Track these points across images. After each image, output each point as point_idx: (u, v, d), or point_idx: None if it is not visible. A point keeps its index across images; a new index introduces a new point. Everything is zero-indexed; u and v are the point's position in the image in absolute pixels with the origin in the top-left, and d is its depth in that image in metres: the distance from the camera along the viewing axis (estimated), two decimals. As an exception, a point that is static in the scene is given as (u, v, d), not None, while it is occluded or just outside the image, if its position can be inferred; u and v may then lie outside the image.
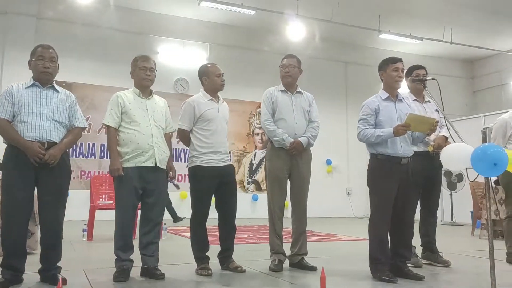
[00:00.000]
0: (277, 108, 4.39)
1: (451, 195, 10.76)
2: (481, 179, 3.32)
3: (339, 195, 13.40)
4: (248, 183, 12.51)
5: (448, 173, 10.58)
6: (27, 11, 10.58)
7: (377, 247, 3.94)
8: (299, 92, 4.51)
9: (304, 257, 4.38)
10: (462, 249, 6.01)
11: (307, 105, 4.48)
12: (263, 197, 12.77)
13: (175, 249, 5.74)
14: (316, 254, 5.48)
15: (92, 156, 11.04)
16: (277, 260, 4.27)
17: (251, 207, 12.46)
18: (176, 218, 9.73)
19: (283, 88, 4.48)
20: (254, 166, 12.61)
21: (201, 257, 4.11)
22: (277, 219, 4.34)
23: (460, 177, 10.53)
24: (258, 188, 12.54)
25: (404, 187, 3.97)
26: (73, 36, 10.57)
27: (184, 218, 9.70)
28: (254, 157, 12.64)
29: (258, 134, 12.69)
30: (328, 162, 13.37)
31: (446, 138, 4.69)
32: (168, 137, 4.09)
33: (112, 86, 9.07)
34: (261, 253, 5.19)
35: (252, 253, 5.45)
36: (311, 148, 4.49)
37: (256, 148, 12.68)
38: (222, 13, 11.54)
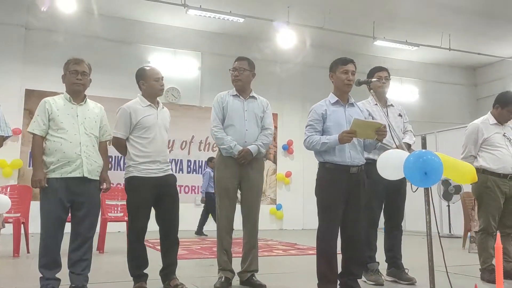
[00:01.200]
0: (227, 114, 4.13)
1: (448, 206, 10.37)
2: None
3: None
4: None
5: (446, 183, 10.21)
6: (16, 21, 10.57)
7: (323, 263, 3.66)
8: (253, 97, 4.24)
9: (255, 274, 4.10)
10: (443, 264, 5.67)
11: (261, 111, 4.21)
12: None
13: (116, 266, 5.28)
14: (278, 270, 5.22)
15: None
16: (223, 277, 4.00)
17: (241, 218, 12.14)
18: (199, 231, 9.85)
19: (235, 93, 4.21)
20: (248, 176, 12.33)
21: (138, 275, 3.84)
22: (224, 233, 4.07)
23: (458, 188, 10.14)
24: (252, 199, 12.24)
25: (354, 198, 3.70)
26: (62, 46, 10.48)
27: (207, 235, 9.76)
28: (248, 168, 12.36)
29: (251, 144, 12.43)
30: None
31: (409, 145, 4.40)
32: (103, 146, 3.86)
33: (103, 96, 8.89)
34: (213, 269, 4.92)
35: (206, 269, 5.19)
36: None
37: (249, 158, 12.41)
38: (214, 22, 11.40)
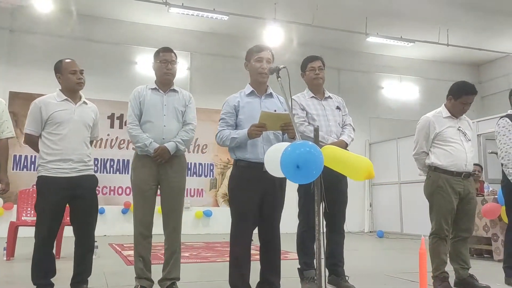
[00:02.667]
0: (144, 109, 3.83)
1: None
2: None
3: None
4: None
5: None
6: (0, 24, 10.48)
7: (234, 271, 3.35)
8: (174, 90, 3.93)
9: (176, 282, 3.79)
10: (407, 268, 5.29)
11: (182, 105, 3.91)
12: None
13: (21, 273, 4.77)
14: (207, 278, 4.85)
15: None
16: (139, 286, 3.69)
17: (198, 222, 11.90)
18: None
19: (154, 86, 3.91)
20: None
21: (42, 284, 3.57)
22: (141, 238, 3.75)
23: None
24: (243, 202, 11.94)
25: (270, 199, 3.37)
26: (48, 48, 10.34)
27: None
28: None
29: (243, 145, 12.14)
30: (320, 174, 12.63)
31: (346, 144, 4.04)
32: (1, 144, 3.61)
33: (92, 98, 8.69)
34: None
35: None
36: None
37: (241, 160, 12.11)
38: (203, 21, 11.15)
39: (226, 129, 3.45)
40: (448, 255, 4.22)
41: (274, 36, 10.92)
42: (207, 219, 11.60)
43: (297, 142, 2.33)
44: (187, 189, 11.35)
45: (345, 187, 4.19)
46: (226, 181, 11.89)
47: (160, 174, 3.75)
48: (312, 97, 4.18)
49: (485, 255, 6.66)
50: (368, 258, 7.36)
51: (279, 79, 3.08)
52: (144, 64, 11.49)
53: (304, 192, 4.08)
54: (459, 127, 4.23)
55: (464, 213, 4.19)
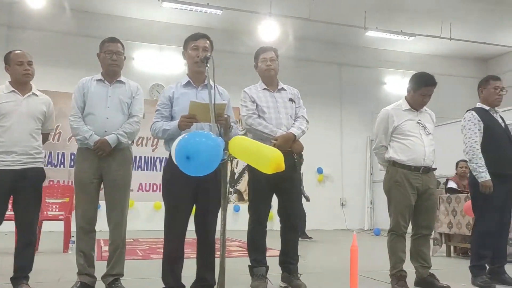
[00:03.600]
0: (87, 101, 3.73)
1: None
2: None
3: (332, 206, 12.47)
4: (230, 193, 11.84)
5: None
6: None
7: (166, 268, 3.26)
8: (120, 81, 3.83)
9: (120, 278, 3.70)
10: (385, 267, 5.12)
11: (128, 96, 3.80)
12: (245, 207, 12.16)
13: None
14: (155, 274, 4.72)
15: (62, 166, 10.75)
16: (79, 282, 3.62)
17: (232, 219, 11.78)
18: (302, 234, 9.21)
19: (99, 77, 3.82)
20: (236, 175, 11.95)
21: None
22: (82, 233, 3.65)
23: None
24: (241, 198, 11.88)
25: (204, 194, 3.26)
26: (45, 44, 10.39)
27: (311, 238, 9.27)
28: (236, 165, 11.98)
29: (241, 141, 12.04)
30: (319, 171, 12.51)
31: (294, 136, 3.90)
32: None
33: None
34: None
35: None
36: None
37: (238, 156, 12.01)
38: (200, 16, 11.05)
39: (160, 121, 3.35)
40: (416, 253, 4.08)
41: (270, 30, 10.77)
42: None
43: (193, 132, 2.22)
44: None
45: (296, 182, 4.05)
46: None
47: (102, 168, 3.66)
48: (264, 89, 4.05)
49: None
50: (344, 256, 7.18)
51: (207, 67, 2.96)
52: (141, 60, 11.49)
53: (253, 187, 3.97)
54: (419, 120, 4.06)
55: (423, 209, 4.03)
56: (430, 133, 4.05)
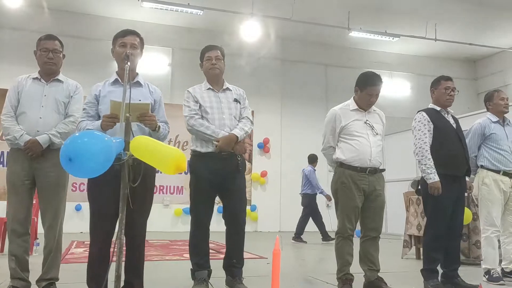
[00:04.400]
0: (21, 100, 3.62)
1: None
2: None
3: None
4: (214, 194, 11.76)
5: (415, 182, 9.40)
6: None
7: (88, 271, 3.17)
8: (58, 80, 3.71)
9: (55, 282, 3.61)
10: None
11: (65, 95, 3.68)
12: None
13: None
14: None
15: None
16: (11, 287, 3.53)
17: (216, 219, 11.61)
18: (325, 237, 9.17)
19: (36, 75, 3.70)
20: (221, 176, 11.87)
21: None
22: (14, 236, 3.51)
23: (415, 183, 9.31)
24: (225, 199, 11.79)
25: (130, 195, 3.15)
26: (22, 44, 10.32)
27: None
28: (221, 167, 11.91)
29: (225, 142, 11.98)
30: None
31: (237, 137, 3.83)
32: None
33: None
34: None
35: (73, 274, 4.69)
36: None
37: (223, 157, 11.95)
38: (184, 16, 11.03)
39: (85, 120, 3.26)
40: (365, 255, 4.01)
41: (253, 31, 10.73)
42: (187, 216, 11.35)
43: (82, 132, 2.15)
44: (166, 186, 11.52)
45: (239, 182, 3.97)
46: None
47: (35, 169, 3.54)
48: (209, 88, 3.98)
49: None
50: (315, 259, 7.14)
51: (126, 65, 2.90)
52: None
53: (194, 188, 3.90)
54: (367, 120, 3.99)
55: (370, 211, 3.95)
56: (378, 134, 3.98)
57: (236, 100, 3.98)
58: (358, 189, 3.86)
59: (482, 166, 4.66)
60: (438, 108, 4.34)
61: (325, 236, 9.15)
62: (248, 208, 11.95)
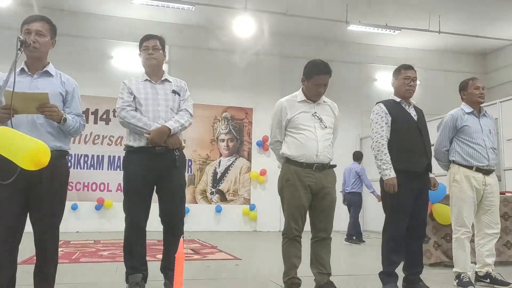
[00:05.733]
0: None
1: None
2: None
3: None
4: (212, 193, 11.58)
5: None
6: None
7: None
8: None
9: None
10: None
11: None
12: (228, 208, 11.91)
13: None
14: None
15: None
16: None
17: (214, 219, 11.56)
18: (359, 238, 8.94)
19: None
20: (219, 175, 11.67)
21: None
22: None
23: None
24: (223, 198, 11.59)
25: (36, 195, 2.87)
26: (13, 43, 10.28)
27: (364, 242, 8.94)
28: (219, 165, 11.71)
29: (223, 140, 11.77)
30: (306, 171, 12.10)
31: (169, 130, 3.58)
32: None
33: None
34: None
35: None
36: None
37: (221, 155, 11.74)
38: (181, 13, 10.83)
39: None
40: (315, 258, 3.73)
41: (250, 26, 10.49)
42: (186, 217, 11.24)
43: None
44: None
45: (178, 180, 3.71)
46: (204, 177, 11.58)
47: None
48: (146, 80, 3.76)
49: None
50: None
51: (18, 53, 2.67)
52: (119, 58, 11.31)
53: (125, 185, 3.66)
54: (315, 112, 3.70)
55: (319, 210, 3.67)
56: (326, 127, 3.69)
57: (174, 92, 3.75)
58: (303, 187, 3.58)
59: (453, 162, 4.31)
60: (398, 99, 4.04)
61: (349, 237, 8.87)
62: (247, 207, 11.72)
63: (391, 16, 10.87)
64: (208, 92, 11.33)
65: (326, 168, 3.66)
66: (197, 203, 11.45)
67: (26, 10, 10.21)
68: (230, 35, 11.10)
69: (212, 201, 11.56)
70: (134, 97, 3.65)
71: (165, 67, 12.14)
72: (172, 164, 3.60)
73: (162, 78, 3.78)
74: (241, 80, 11.53)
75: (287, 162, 3.68)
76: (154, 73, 3.76)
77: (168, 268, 3.65)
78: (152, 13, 11.03)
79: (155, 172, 3.56)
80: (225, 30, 11.10)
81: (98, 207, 10.76)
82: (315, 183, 3.60)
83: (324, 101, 3.80)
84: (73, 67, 10.43)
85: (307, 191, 3.59)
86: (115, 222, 10.03)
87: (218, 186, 11.65)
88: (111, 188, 10.80)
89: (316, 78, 3.63)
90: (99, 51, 11.22)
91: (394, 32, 11.13)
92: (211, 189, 11.61)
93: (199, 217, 11.32)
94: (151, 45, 3.72)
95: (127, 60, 11.32)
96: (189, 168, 11.52)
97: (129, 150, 3.65)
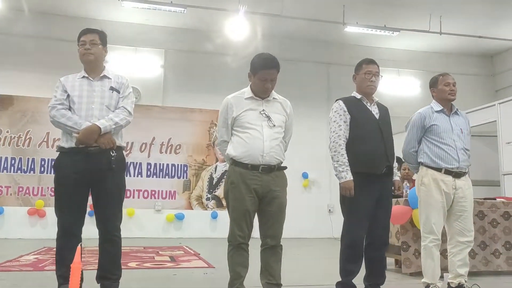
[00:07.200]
0: None
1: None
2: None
3: (318, 213, 11.74)
4: (208, 199, 11.34)
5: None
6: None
7: None
8: None
9: None
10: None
11: None
12: (224, 214, 11.55)
13: None
14: None
15: (31, 172, 10.53)
16: None
17: (210, 226, 11.30)
18: None
19: None
20: (215, 180, 11.44)
21: None
22: None
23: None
24: (219, 204, 11.33)
25: None
26: (13, 48, 10.27)
27: None
28: (215, 171, 11.47)
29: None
30: (304, 176, 11.84)
31: (99, 128, 3.35)
32: None
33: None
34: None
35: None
36: None
37: (217, 160, 11.51)
38: (178, 16, 10.67)
39: None
40: (264, 267, 3.46)
41: (246, 29, 10.26)
42: (179, 222, 11.06)
43: None
44: (158, 191, 11.17)
45: (114, 185, 3.48)
46: (200, 183, 11.36)
47: None
48: (84, 77, 3.56)
49: (397, 267, 5.70)
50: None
51: None
52: (115, 63, 11.15)
53: (56, 189, 3.45)
54: (263, 110, 3.45)
55: (267, 216, 3.42)
56: (275, 125, 3.43)
57: (112, 89, 3.53)
58: (248, 190, 3.34)
59: (422, 163, 4.02)
60: (359, 96, 3.78)
61: None
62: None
63: (390, 17, 10.56)
64: (204, 96, 11.14)
65: (275, 170, 3.41)
66: (192, 209, 11.22)
67: (16, 15, 10.21)
68: (226, 38, 10.89)
69: (208, 207, 11.33)
70: (68, 95, 3.45)
71: (159, 71, 12.03)
72: (108, 166, 3.37)
73: (101, 75, 3.57)
74: (238, 83, 11.29)
75: (233, 163, 3.44)
76: (91, 69, 3.57)
77: (104, 277, 3.42)
78: (145, 16, 10.90)
79: (89, 174, 3.35)
80: (221, 33, 10.88)
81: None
82: (261, 186, 3.35)
83: (274, 98, 3.56)
84: (68, 72, 10.37)
85: (252, 195, 3.34)
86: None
87: (214, 192, 11.41)
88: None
89: (261, 73, 3.40)
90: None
91: (393, 33, 10.79)
92: (207, 195, 11.38)
93: (194, 223, 11.12)
94: (89, 39, 3.54)
95: (122, 64, 11.21)
96: (185, 174, 11.33)
97: (61, 151, 3.44)
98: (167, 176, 11.25)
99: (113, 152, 3.42)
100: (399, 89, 12.38)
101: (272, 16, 10.19)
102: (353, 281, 3.64)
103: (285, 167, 3.51)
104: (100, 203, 3.45)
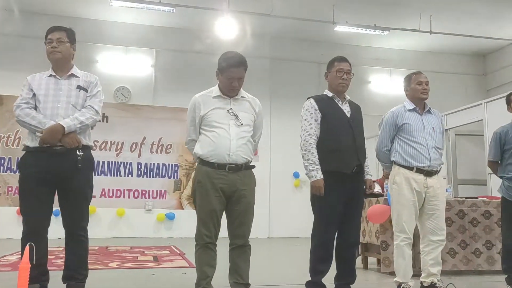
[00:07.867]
0: None
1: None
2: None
3: (310, 213, 11.60)
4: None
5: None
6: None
7: None
8: None
9: None
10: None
11: None
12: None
13: None
14: None
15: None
16: None
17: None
18: None
19: None
20: (205, 180, 11.40)
21: None
22: None
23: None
24: (210, 204, 11.30)
25: None
26: (1, 47, 10.26)
27: None
28: (206, 171, 11.44)
29: (210, 145, 11.52)
30: (296, 175, 11.78)
31: (63, 128, 3.33)
32: None
33: None
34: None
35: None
36: None
37: (208, 160, 11.47)
38: (167, 16, 10.66)
39: None
40: (232, 267, 3.44)
41: (235, 28, 10.25)
42: (170, 222, 11.04)
43: None
44: (148, 190, 11.15)
45: (81, 185, 3.46)
46: (191, 183, 11.30)
47: None
48: (51, 75, 3.53)
49: (378, 266, 5.68)
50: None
51: None
52: (105, 62, 11.17)
53: (21, 189, 3.43)
54: (231, 108, 3.43)
55: (234, 215, 3.40)
56: (243, 124, 3.42)
57: (80, 87, 3.50)
58: (215, 189, 3.32)
59: (394, 162, 4.01)
60: (330, 94, 3.77)
61: None
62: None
63: (380, 16, 10.54)
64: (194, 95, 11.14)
65: (242, 169, 3.39)
66: (183, 209, 11.19)
67: (4, 14, 10.20)
68: (216, 38, 10.86)
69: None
70: (34, 94, 3.43)
71: (150, 70, 12.03)
72: (74, 166, 3.35)
73: (69, 73, 3.54)
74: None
75: (200, 162, 3.43)
76: (59, 67, 3.54)
77: (71, 277, 3.40)
78: (135, 16, 10.89)
79: (53, 174, 3.33)
80: (210, 32, 10.85)
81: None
82: (228, 186, 3.33)
83: (242, 97, 3.54)
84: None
85: (219, 194, 3.33)
86: (97, 228, 9.82)
87: (205, 192, 11.38)
88: (94, 193, 10.37)
89: (228, 71, 3.37)
90: (83, 55, 11.08)
91: (383, 32, 10.78)
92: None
93: (184, 223, 11.04)
94: (56, 37, 3.50)
95: (112, 64, 11.21)
96: (175, 173, 11.31)
97: (27, 150, 3.42)
98: (157, 176, 11.23)
99: (79, 152, 3.40)
100: (390, 89, 12.34)
101: (261, 15, 10.17)
102: (322, 280, 3.62)
103: (253, 166, 3.50)
104: (66, 203, 3.43)
